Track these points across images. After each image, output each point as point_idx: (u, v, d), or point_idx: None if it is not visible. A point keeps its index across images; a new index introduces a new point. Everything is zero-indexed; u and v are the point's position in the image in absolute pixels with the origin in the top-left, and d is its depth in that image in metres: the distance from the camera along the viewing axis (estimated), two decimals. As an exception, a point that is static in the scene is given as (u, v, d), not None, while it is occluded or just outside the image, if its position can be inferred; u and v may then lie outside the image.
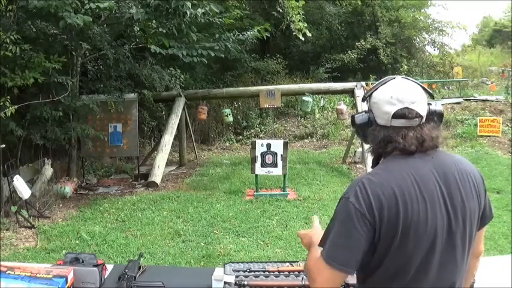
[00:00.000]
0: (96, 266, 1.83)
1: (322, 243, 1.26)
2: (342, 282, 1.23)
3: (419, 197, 1.17)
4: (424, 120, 1.26)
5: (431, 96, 1.33)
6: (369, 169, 1.35)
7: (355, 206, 1.18)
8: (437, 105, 1.31)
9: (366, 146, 1.38)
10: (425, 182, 1.19)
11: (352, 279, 1.51)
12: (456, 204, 1.20)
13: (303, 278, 1.76)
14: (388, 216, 1.16)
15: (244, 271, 1.87)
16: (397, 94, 1.24)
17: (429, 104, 1.30)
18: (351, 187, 1.23)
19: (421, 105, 1.25)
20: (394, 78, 1.32)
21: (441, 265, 1.20)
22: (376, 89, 1.31)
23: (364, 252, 1.19)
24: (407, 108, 1.23)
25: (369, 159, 1.36)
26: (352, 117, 1.36)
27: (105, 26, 6.57)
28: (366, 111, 1.33)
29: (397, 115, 1.23)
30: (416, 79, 1.37)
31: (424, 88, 1.29)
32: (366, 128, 1.32)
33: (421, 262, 1.18)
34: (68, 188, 6.19)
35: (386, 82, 1.31)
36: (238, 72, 12.21)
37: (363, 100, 1.36)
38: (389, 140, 1.24)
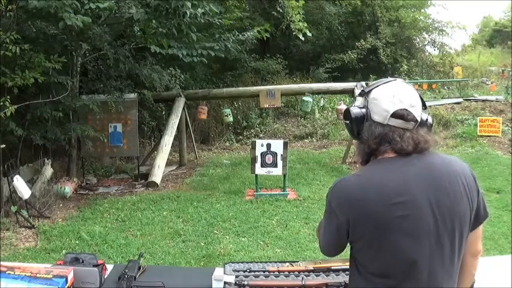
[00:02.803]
0: (96, 266, 1.82)
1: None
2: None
3: (405, 199, 1.17)
4: (417, 125, 1.27)
5: (425, 106, 1.34)
6: None
7: (331, 204, 1.26)
8: (428, 117, 1.33)
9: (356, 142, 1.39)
10: (411, 185, 1.19)
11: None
12: (444, 207, 1.20)
13: (303, 278, 1.76)
14: (365, 217, 1.18)
15: (244, 271, 1.86)
16: (399, 94, 1.26)
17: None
18: (334, 184, 1.28)
19: (418, 110, 1.27)
20: (395, 79, 1.33)
21: (430, 268, 1.20)
22: (377, 86, 1.31)
23: (340, 244, 1.30)
24: (406, 109, 1.24)
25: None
26: (347, 110, 1.34)
27: (105, 26, 6.56)
28: (360, 107, 1.32)
29: (396, 114, 1.24)
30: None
31: (420, 97, 1.32)
32: (360, 123, 1.30)
33: (409, 264, 1.18)
34: (68, 188, 6.19)
35: (388, 82, 1.32)
36: (238, 72, 12.22)
37: (361, 95, 1.34)
38: (385, 138, 1.24)
